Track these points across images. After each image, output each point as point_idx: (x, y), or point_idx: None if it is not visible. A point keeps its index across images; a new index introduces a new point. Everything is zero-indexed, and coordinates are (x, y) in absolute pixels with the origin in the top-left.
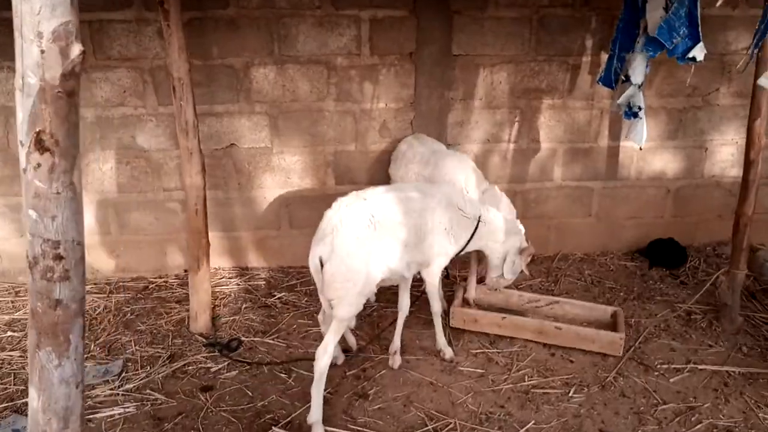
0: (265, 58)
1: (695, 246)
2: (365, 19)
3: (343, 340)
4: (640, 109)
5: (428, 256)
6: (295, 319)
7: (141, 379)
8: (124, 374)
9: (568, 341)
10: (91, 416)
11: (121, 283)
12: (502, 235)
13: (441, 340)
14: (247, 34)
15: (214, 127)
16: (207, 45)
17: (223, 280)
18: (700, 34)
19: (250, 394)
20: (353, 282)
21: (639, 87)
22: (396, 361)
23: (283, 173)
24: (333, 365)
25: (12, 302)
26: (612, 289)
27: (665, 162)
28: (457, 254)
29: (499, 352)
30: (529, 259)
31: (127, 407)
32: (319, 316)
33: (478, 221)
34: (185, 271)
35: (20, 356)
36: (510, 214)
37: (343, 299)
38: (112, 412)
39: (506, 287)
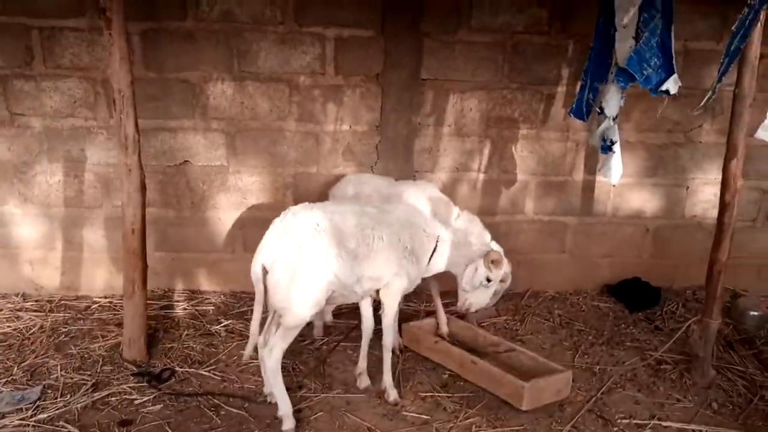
0: (223, 74)
1: (674, 289)
2: (330, 38)
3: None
4: (613, 143)
5: (385, 274)
6: (237, 349)
7: (57, 409)
8: (41, 402)
9: (481, 380)
10: None
11: (63, 302)
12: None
13: (387, 379)
14: (205, 48)
15: (168, 143)
16: (162, 58)
17: (170, 303)
18: (674, 65)
19: None
20: (299, 292)
21: (614, 120)
22: (362, 381)
23: (239, 193)
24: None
25: None
26: (581, 332)
27: (644, 200)
28: (422, 278)
29: (449, 397)
30: (497, 267)
31: None
32: (260, 339)
33: (437, 241)
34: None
35: None
36: (484, 236)
37: (289, 309)
38: None
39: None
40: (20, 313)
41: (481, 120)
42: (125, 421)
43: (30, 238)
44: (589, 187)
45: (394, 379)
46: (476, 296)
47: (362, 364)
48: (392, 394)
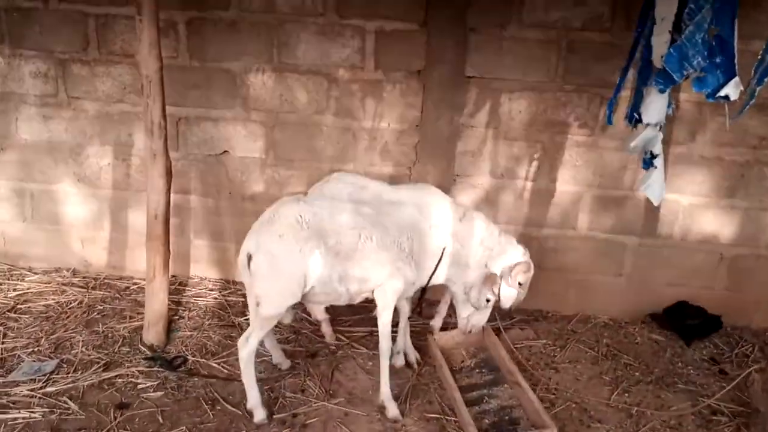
0: (263, 65)
1: (751, 329)
2: (371, 31)
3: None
4: (654, 156)
5: (375, 276)
6: None
7: (66, 384)
8: (54, 376)
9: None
10: None
11: (107, 280)
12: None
13: (385, 390)
14: (247, 38)
15: (209, 132)
16: (206, 47)
17: (203, 291)
18: (736, 66)
19: (161, 421)
20: (274, 281)
21: (659, 129)
22: (397, 360)
23: (276, 187)
24: (278, 371)
25: (0, 283)
26: (627, 366)
27: (720, 223)
28: (423, 287)
29: (457, 421)
30: (495, 286)
31: (35, 412)
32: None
33: (443, 251)
34: (173, 276)
35: None
36: (489, 238)
37: (266, 297)
38: (17, 415)
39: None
40: (66, 288)
41: (530, 123)
42: (123, 404)
43: (81, 217)
44: (653, 205)
45: (402, 395)
46: (476, 317)
47: (400, 342)
48: (391, 410)
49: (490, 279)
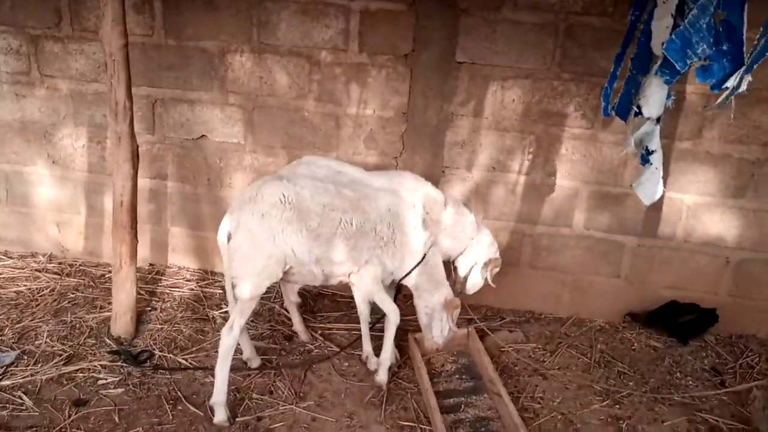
0: (242, 45)
1: (758, 338)
2: (355, 11)
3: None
4: (649, 152)
5: (350, 261)
6: None
7: (23, 377)
8: (12, 368)
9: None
10: None
11: (83, 267)
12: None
13: (384, 356)
14: (225, 16)
15: (185, 115)
16: (182, 24)
17: (180, 281)
18: (745, 55)
19: (117, 420)
20: (253, 260)
21: (656, 123)
22: (370, 364)
23: (255, 174)
24: (246, 369)
25: None
26: (621, 375)
27: (726, 225)
28: (397, 281)
29: (431, 430)
30: (455, 312)
31: None
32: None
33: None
34: (150, 264)
35: None
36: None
37: (243, 278)
38: None
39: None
40: (39, 274)
41: (524, 113)
42: (80, 401)
43: (56, 200)
44: (654, 204)
45: (376, 399)
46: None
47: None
48: (381, 373)
49: (450, 304)
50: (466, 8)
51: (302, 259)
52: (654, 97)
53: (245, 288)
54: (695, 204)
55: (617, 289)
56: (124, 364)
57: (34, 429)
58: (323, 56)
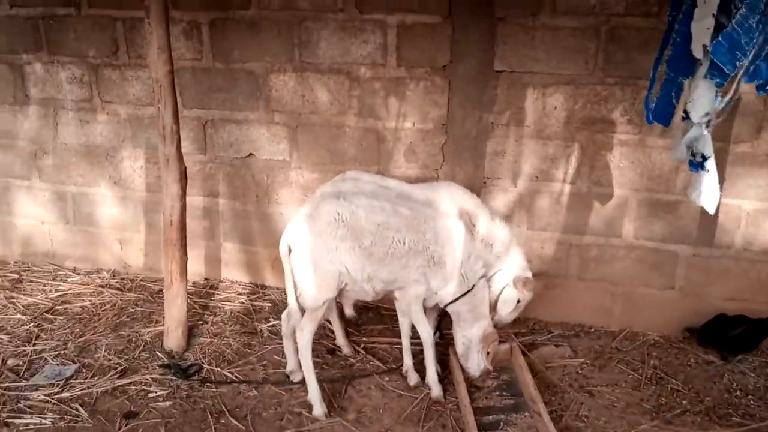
0: (285, 65)
1: None
2: (392, 25)
3: None
4: (705, 158)
5: (400, 280)
6: (271, 354)
7: (81, 390)
8: (72, 381)
9: None
10: (11, 419)
11: (143, 282)
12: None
13: (431, 373)
14: (268, 38)
15: (234, 135)
16: (228, 48)
17: (232, 295)
18: None
19: None
20: (311, 275)
21: (706, 127)
22: (411, 378)
23: (300, 190)
24: (288, 383)
25: (45, 284)
26: (675, 393)
27: None
28: (442, 306)
29: None
30: (492, 346)
31: (46, 418)
32: (284, 315)
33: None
34: (205, 279)
35: (8, 339)
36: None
37: (304, 289)
38: (29, 420)
39: None
40: (102, 289)
41: (567, 120)
42: (130, 414)
43: (118, 219)
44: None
45: (414, 415)
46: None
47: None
48: (435, 389)
49: (488, 338)
50: (502, 16)
51: (355, 276)
52: (701, 101)
53: (307, 299)
54: (755, 210)
55: (672, 302)
56: (174, 378)
57: None
58: (362, 72)
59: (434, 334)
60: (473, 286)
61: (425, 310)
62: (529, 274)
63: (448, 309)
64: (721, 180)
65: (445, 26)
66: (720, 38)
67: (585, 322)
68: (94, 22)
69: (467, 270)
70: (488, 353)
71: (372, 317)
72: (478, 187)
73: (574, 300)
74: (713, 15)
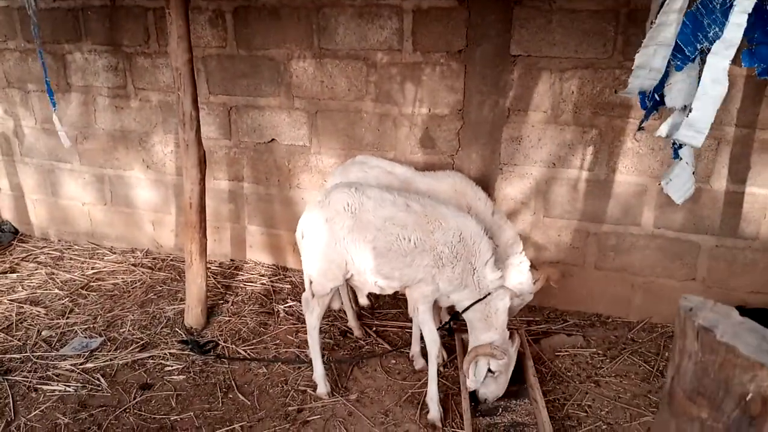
0: (304, 51)
1: None
2: (408, 10)
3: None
4: (680, 146)
5: (404, 277)
6: (285, 334)
7: (104, 361)
8: (97, 353)
9: None
10: (39, 386)
11: (173, 262)
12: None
13: (431, 390)
14: (288, 25)
15: (257, 121)
16: (251, 35)
17: (255, 276)
18: None
19: (173, 405)
20: (318, 262)
21: (686, 114)
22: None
23: (320, 175)
24: (297, 361)
25: (83, 262)
26: None
27: None
28: (461, 312)
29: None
30: (489, 352)
31: (70, 386)
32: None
33: (486, 295)
34: (231, 260)
35: (45, 312)
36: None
37: (311, 275)
38: (55, 387)
39: None
40: (135, 268)
41: (585, 105)
42: (146, 385)
43: (151, 201)
44: (734, 200)
45: (415, 399)
46: (488, 387)
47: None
48: (432, 410)
49: (484, 348)
50: (519, 0)
51: (359, 268)
52: (678, 86)
53: (316, 285)
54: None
55: (693, 293)
56: (190, 353)
57: (104, 408)
58: (379, 57)
59: (448, 323)
60: (487, 294)
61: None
62: (529, 297)
63: (464, 315)
64: (746, 168)
65: (461, 10)
66: (684, 18)
67: (602, 312)
68: (128, 12)
69: (479, 277)
70: (478, 361)
71: (387, 301)
72: (494, 173)
73: (591, 289)
74: None
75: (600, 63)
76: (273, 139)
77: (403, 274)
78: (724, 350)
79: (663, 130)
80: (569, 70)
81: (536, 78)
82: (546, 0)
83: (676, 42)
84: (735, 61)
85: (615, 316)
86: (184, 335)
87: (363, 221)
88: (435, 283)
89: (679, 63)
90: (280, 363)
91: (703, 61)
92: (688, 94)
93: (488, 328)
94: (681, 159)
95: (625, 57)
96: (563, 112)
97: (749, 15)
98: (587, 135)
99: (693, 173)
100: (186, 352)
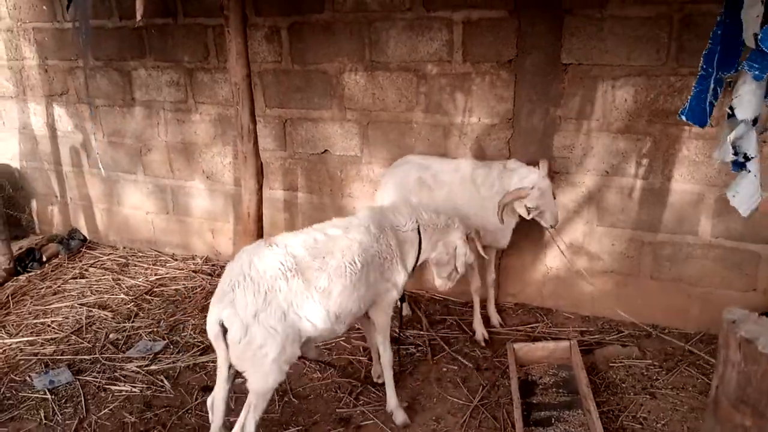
0: (356, 64)
1: None
2: (458, 22)
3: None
4: (747, 158)
5: (372, 295)
6: (341, 341)
7: (167, 364)
8: (161, 355)
9: None
10: (108, 386)
11: None
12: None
13: (392, 401)
14: (341, 39)
15: (311, 132)
16: (305, 50)
17: None
18: None
19: (232, 407)
20: (266, 348)
21: (753, 125)
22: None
23: (371, 185)
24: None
25: (147, 268)
26: None
27: None
28: (409, 276)
29: None
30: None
31: (136, 386)
32: (208, 400)
33: (418, 230)
34: None
35: (112, 316)
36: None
37: (255, 371)
38: (122, 388)
39: None
40: (195, 274)
41: (638, 113)
42: (207, 388)
43: (210, 210)
44: None
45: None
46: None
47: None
48: (399, 416)
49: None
50: (569, 8)
51: (322, 326)
52: (748, 97)
53: (260, 381)
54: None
55: (754, 305)
56: None
57: (168, 408)
58: (429, 69)
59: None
60: (419, 240)
61: None
62: (544, 183)
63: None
64: None
65: (511, 20)
66: None
67: (659, 323)
68: (189, 29)
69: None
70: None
71: (438, 309)
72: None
73: (646, 299)
74: (762, 2)
75: (654, 70)
76: (326, 150)
77: (375, 292)
78: (766, 361)
79: (728, 149)
80: (622, 78)
81: (588, 86)
82: (596, 8)
83: (753, 50)
84: None
85: (672, 327)
86: None
87: (306, 271)
88: (394, 285)
89: (757, 72)
90: (333, 368)
91: None
92: (757, 106)
93: (445, 234)
94: (748, 172)
95: (679, 63)
96: (616, 120)
97: None
98: (641, 143)
99: (760, 184)
100: None
